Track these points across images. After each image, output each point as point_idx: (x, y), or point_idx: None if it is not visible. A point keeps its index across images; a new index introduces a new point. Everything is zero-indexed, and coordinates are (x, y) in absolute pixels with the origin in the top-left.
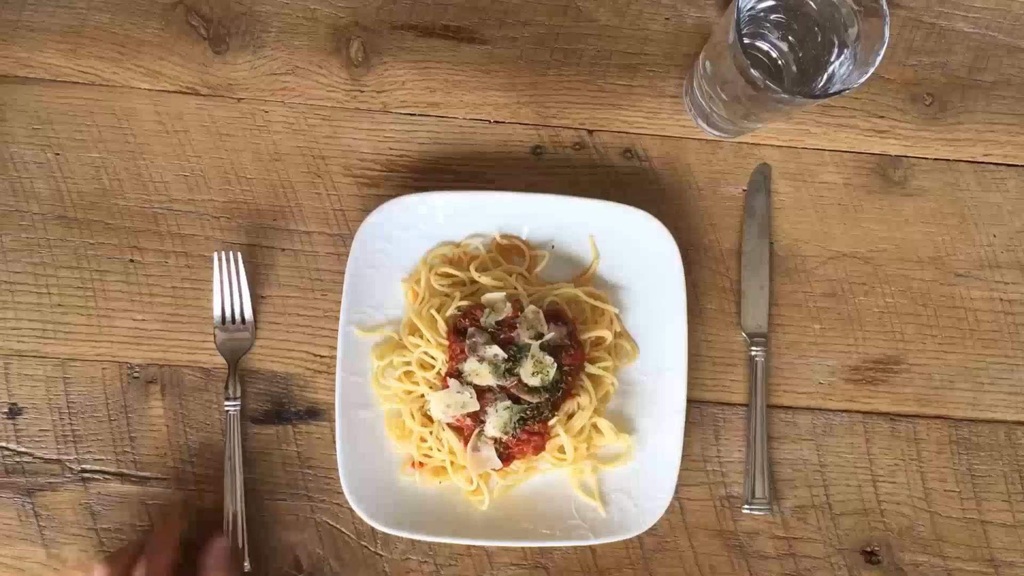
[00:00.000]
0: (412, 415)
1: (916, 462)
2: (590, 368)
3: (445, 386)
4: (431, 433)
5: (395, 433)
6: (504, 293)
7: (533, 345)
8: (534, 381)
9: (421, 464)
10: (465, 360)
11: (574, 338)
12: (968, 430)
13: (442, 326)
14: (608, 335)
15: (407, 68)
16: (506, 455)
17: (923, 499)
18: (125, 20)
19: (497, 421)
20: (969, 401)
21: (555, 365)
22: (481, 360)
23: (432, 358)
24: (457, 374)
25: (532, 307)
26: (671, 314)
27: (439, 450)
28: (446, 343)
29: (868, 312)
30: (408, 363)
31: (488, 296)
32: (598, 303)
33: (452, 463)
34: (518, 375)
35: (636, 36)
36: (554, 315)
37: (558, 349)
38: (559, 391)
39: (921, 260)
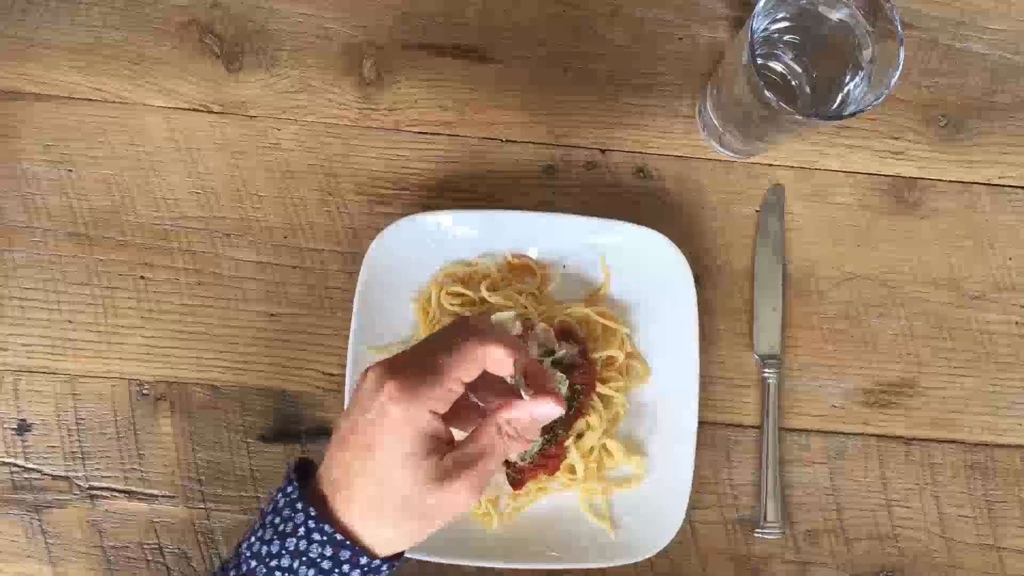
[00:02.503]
0: None
1: (931, 487)
2: (601, 388)
3: None
4: None
5: None
6: (514, 312)
7: (545, 361)
8: None
9: None
10: None
11: (585, 356)
12: (984, 455)
13: None
14: (620, 355)
15: (420, 87)
16: (518, 480)
17: (938, 524)
18: (139, 38)
19: None
20: (985, 425)
21: (566, 381)
22: None
23: None
24: None
25: (543, 325)
26: (683, 335)
27: None
28: None
29: (883, 334)
30: None
31: (498, 315)
32: (609, 323)
33: None
34: None
35: (649, 56)
36: (565, 333)
37: (569, 368)
38: (571, 409)
39: (936, 282)
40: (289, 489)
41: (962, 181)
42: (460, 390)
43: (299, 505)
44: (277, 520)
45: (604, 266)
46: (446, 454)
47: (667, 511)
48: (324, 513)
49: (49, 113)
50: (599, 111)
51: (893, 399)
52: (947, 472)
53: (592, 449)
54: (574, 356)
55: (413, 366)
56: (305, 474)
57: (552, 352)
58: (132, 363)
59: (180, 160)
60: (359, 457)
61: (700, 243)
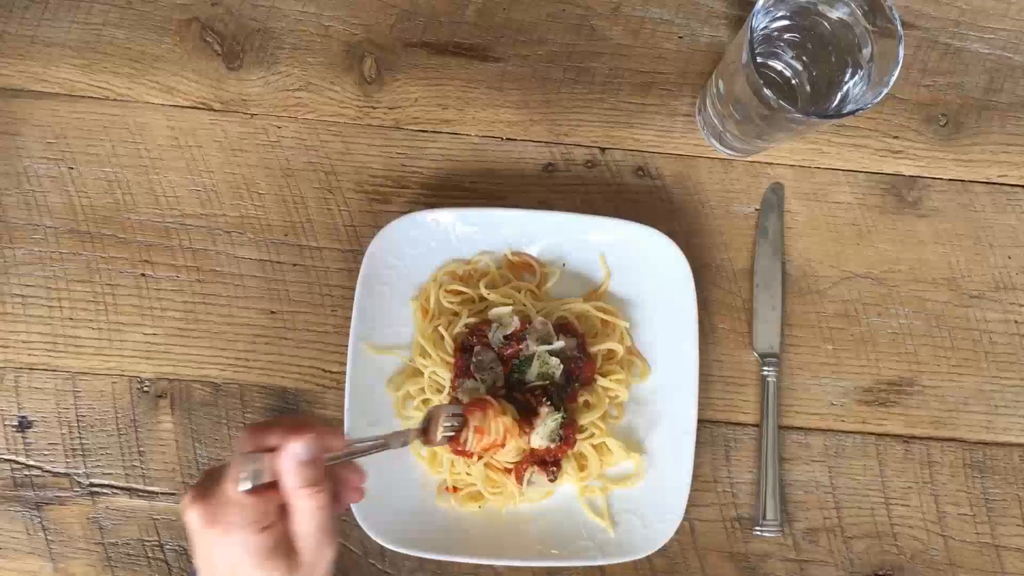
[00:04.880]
0: None
1: (930, 485)
2: (602, 381)
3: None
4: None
5: (427, 460)
6: (511, 307)
7: (539, 349)
8: (539, 381)
9: (456, 489)
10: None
11: (583, 350)
12: (983, 453)
13: (449, 343)
14: (619, 348)
15: (420, 85)
16: (554, 472)
17: (937, 523)
18: (140, 36)
19: (544, 431)
20: (983, 424)
21: (561, 367)
22: (482, 381)
23: (442, 379)
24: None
25: (541, 318)
26: (682, 333)
27: (468, 474)
28: (451, 360)
29: (881, 333)
30: (423, 390)
31: (495, 310)
32: (608, 317)
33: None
34: (527, 382)
35: (649, 55)
36: (563, 328)
37: (568, 361)
38: (567, 392)
39: (935, 281)
40: None
41: (961, 180)
42: (269, 501)
43: None
44: None
45: (604, 264)
46: (290, 548)
47: (666, 509)
48: None
49: (50, 111)
50: (599, 110)
51: (892, 398)
52: (946, 471)
53: (592, 435)
54: (572, 350)
55: (217, 496)
56: None
57: (549, 344)
58: (133, 360)
59: (181, 158)
60: None
61: (700, 241)
